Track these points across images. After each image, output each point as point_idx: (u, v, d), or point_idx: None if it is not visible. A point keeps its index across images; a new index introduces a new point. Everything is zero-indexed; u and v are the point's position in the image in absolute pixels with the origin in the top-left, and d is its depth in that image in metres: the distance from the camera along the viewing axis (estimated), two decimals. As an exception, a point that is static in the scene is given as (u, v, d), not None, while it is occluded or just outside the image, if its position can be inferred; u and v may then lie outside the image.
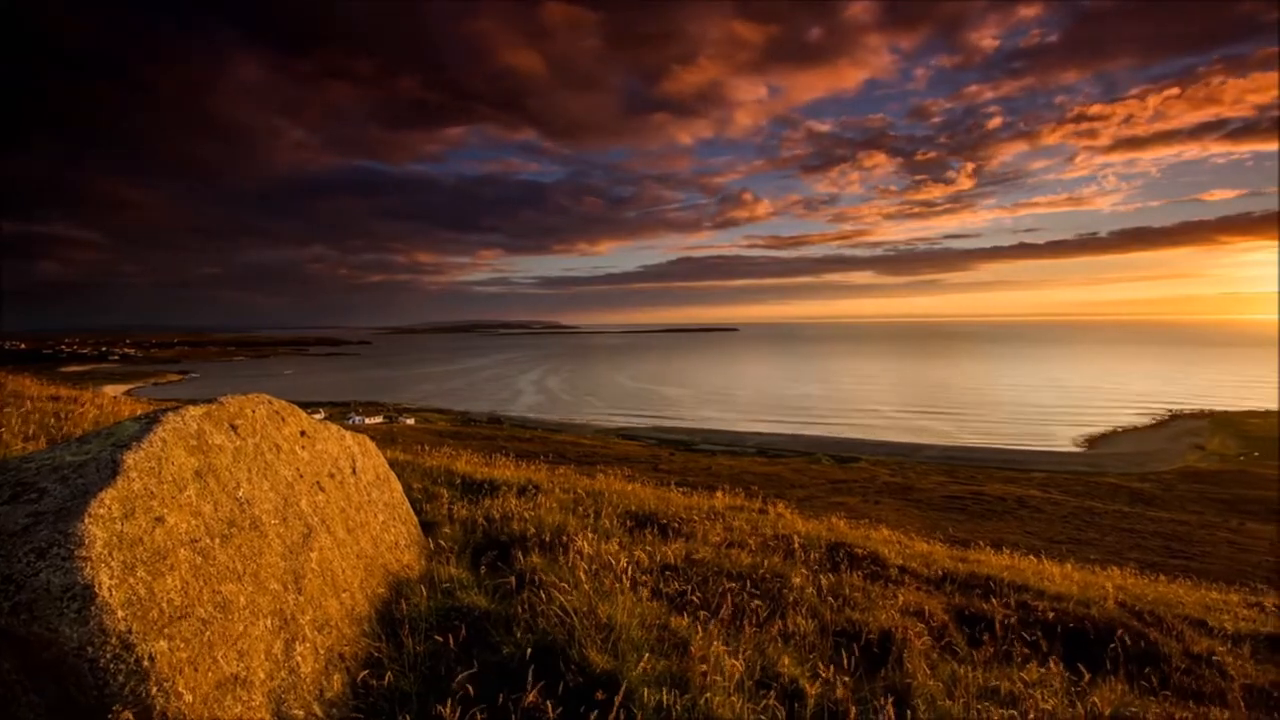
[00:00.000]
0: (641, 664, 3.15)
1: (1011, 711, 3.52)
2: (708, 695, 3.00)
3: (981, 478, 60.25)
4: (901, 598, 5.23)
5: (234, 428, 3.31)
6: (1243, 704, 4.42)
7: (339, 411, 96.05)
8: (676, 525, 6.43)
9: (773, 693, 3.27)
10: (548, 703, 2.75)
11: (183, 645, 2.31)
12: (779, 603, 4.61)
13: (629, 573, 4.19)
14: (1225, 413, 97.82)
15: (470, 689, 2.79)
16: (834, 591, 5.05)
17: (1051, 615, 5.47)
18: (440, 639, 3.28)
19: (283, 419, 3.91)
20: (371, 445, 5.11)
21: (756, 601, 4.52)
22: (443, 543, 4.78)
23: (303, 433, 4.03)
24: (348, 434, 4.76)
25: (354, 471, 4.47)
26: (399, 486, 5.23)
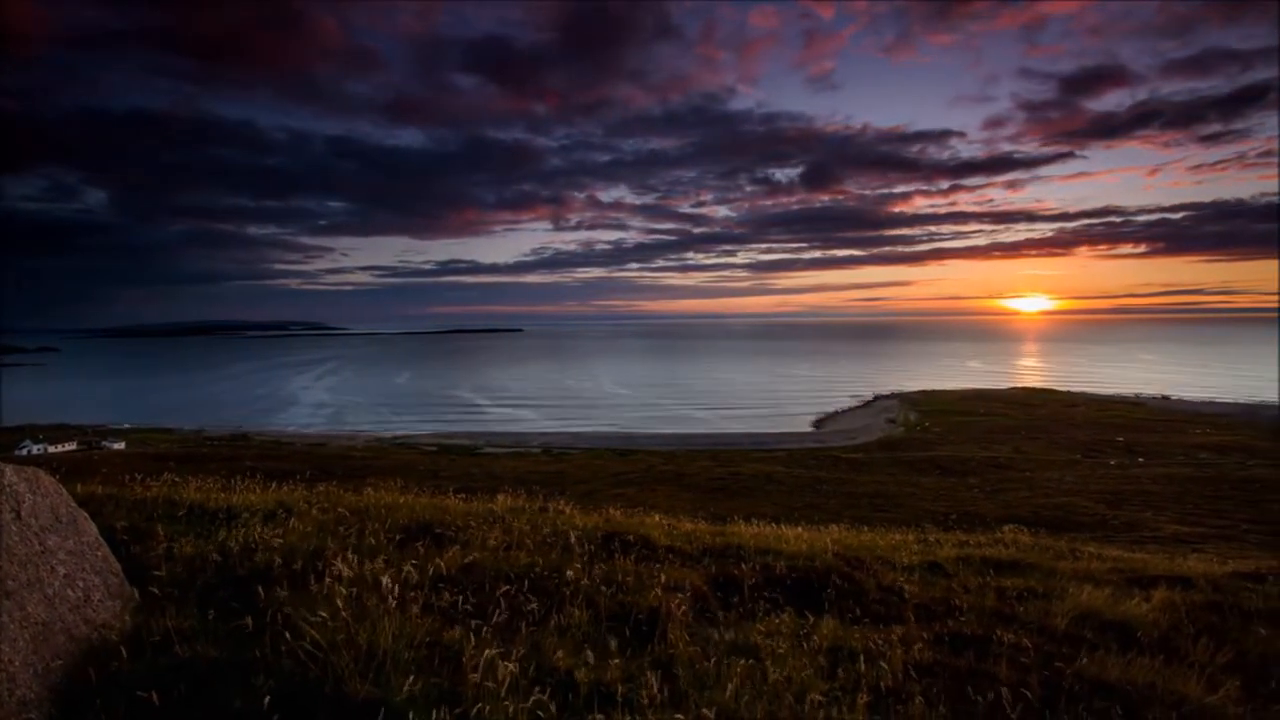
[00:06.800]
0: (408, 686, 2.99)
1: (752, 660, 4.10)
2: (480, 704, 2.96)
3: (740, 460, 68.29)
4: (667, 575, 5.70)
5: None
6: (914, 619, 5.69)
7: (10, 440, 74.04)
8: (453, 533, 6.19)
9: (546, 687, 3.34)
10: (295, 750, 2.48)
11: None
12: (555, 597, 4.72)
13: (395, 591, 3.94)
14: (908, 392, 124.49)
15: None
16: (607, 579, 5.32)
17: (787, 571, 6.44)
18: (147, 705, 2.73)
19: (-110, 457, 2.92)
20: (48, 480, 4.06)
21: (533, 600, 4.57)
22: (156, 590, 3.99)
23: (-72, 473, 3.06)
24: (9, 469, 3.72)
25: (18, 516, 3.51)
26: (93, 528, 4.23)
